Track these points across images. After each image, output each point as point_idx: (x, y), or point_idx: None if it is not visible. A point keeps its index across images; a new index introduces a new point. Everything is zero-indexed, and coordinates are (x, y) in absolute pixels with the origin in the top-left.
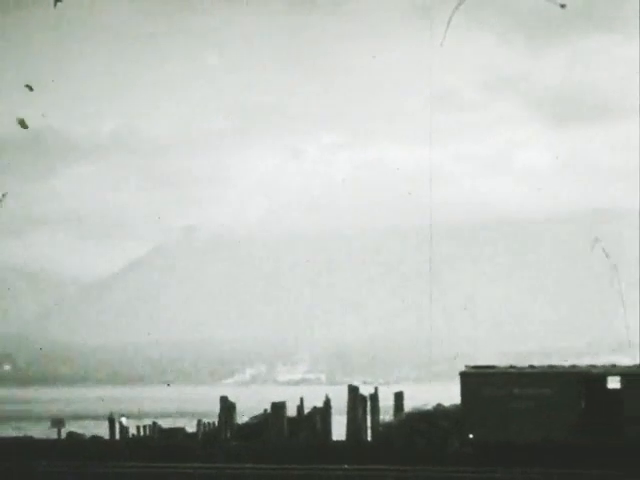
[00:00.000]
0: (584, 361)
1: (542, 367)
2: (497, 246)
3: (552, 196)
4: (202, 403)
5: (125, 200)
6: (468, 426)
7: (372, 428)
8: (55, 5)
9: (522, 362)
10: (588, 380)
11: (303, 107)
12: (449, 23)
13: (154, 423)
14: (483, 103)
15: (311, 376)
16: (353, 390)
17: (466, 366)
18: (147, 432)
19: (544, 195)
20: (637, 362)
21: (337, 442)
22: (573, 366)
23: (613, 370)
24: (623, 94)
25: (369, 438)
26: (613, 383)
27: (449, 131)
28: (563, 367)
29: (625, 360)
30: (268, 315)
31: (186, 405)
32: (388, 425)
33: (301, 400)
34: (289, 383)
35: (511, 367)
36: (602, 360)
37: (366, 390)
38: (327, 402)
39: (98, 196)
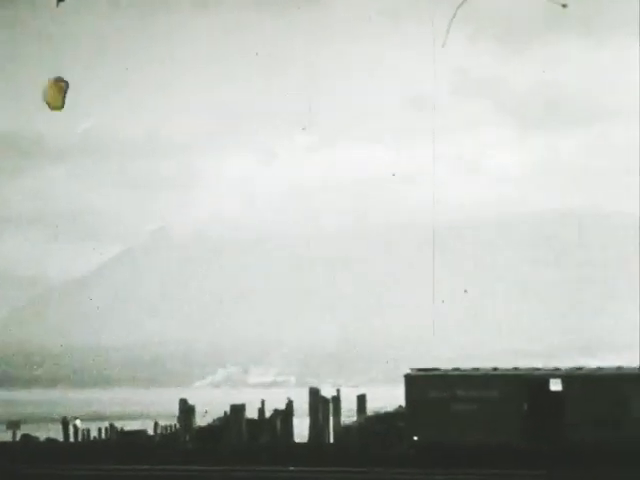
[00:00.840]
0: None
1: (486, 370)
2: (465, 246)
3: (521, 198)
4: (171, 405)
5: (96, 202)
6: (412, 428)
7: (334, 430)
8: (57, 4)
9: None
10: (531, 383)
11: (276, 108)
12: (450, 25)
13: (111, 425)
14: (454, 106)
15: (281, 378)
16: (314, 393)
17: (411, 369)
18: (107, 434)
19: (513, 197)
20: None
21: (298, 444)
22: (516, 368)
23: (555, 372)
24: (593, 98)
25: (332, 440)
26: (556, 385)
27: (419, 133)
28: (506, 370)
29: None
30: (242, 316)
31: (154, 407)
32: (348, 427)
33: (262, 403)
34: (259, 385)
35: (455, 369)
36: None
37: (335, 393)
38: (289, 405)
39: (68, 197)
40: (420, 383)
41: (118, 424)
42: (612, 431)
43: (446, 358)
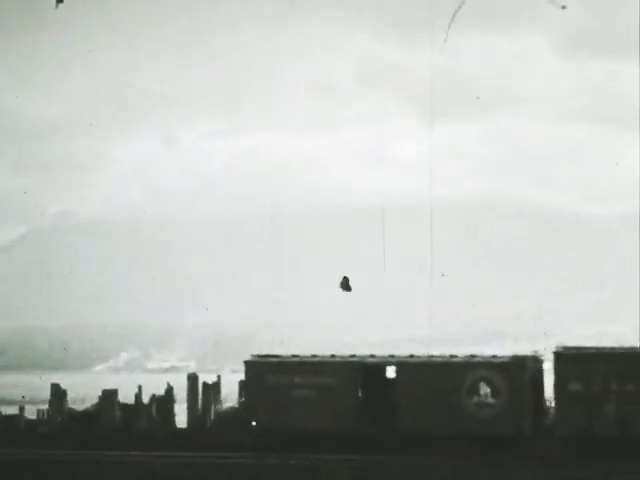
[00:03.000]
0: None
1: (323, 356)
2: (373, 233)
3: (426, 186)
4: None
5: None
6: (251, 414)
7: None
8: (57, 6)
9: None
10: (367, 369)
11: (181, 93)
12: (451, 22)
13: None
14: (357, 95)
15: (182, 364)
16: (192, 378)
17: (251, 355)
18: None
19: (417, 185)
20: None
21: (173, 430)
22: (353, 355)
23: (390, 360)
24: (496, 88)
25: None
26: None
27: (324, 122)
28: (343, 357)
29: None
30: (145, 300)
31: (43, 392)
32: (222, 413)
33: (139, 388)
34: (158, 370)
35: (294, 356)
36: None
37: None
38: (169, 390)
39: None
40: (259, 369)
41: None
42: (441, 417)
43: (346, 344)
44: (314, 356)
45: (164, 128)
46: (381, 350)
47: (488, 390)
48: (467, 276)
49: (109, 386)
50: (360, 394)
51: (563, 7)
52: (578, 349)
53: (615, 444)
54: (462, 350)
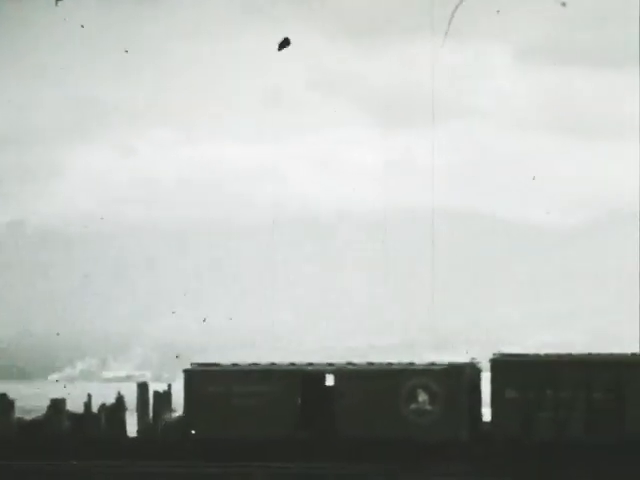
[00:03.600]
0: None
1: (262, 365)
2: (325, 241)
3: (377, 195)
4: (22, 399)
5: None
6: (191, 422)
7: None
8: (57, 3)
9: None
10: (305, 378)
11: (136, 103)
12: (449, 25)
13: None
14: (313, 103)
15: (138, 372)
16: (143, 387)
17: (192, 363)
18: None
19: (369, 194)
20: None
21: (126, 438)
22: (292, 364)
23: (328, 368)
24: (447, 97)
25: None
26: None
27: (280, 130)
28: (281, 365)
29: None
30: (101, 310)
31: None
32: (168, 422)
33: (89, 397)
34: (114, 379)
35: (233, 365)
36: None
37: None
38: (120, 399)
39: None
40: (198, 378)
41: None
42: (380, 424)
43: (305, 351)
44: (253, 364)
45: (120, 138)
46: (338, 359)
47: (426, 397)
48: (423, 285)
49: (62, 395)
50: (299, 402)
51: (563, 4)
52: (514, 357)
53: (550, 449)
54: (421, 358)
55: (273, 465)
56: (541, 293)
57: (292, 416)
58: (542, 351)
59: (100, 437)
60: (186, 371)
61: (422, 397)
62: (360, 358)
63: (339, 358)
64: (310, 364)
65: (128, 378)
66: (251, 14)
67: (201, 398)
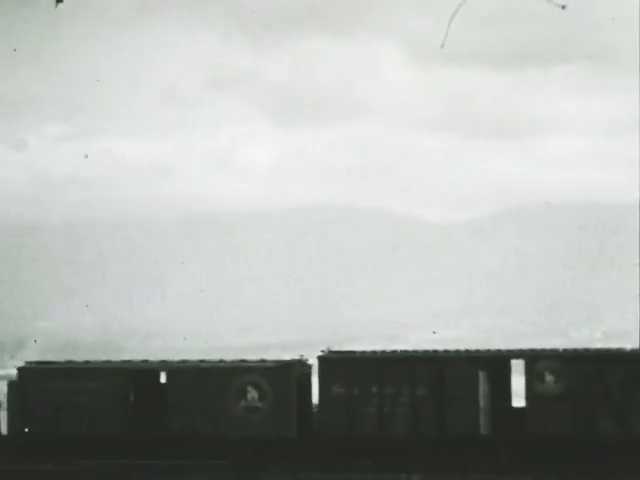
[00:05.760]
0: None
1: (96, 362)
2: (220, 238)
3: (275, 192)
4: None
5: None
6: (25, 419)
7: None
8: (56, 5)
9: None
10: (139, 375)
11: (27, 97)
12: (451, 22)
13: None
14: (208, 101)
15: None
16: (13, 386)
17: (26, 362)
18: None
19: (267, 191)
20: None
21: None
22: (126, 361)
23: (161, 365)
24: (344, 95)
25: None
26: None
27: (175, 127)
28: (115, 362)
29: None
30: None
31: None
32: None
33: None
34: (5, 378)
35: (68, 362)
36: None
37: None
38: None
39: None
40: (32, 375)
41: None
42: (211, 420)
43: (189, 350)
44: (88, 362)
45: (13, 132)
46: (226, 356)
47: (255, 394)
48: (319, 282)
49: None
50: (132, 399)
51: (563, 7)
52: (341, 354)
53: (375, 444)
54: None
55: (102, 462)
56: (431, 289)
57: (124, 413)
58: (427, 347)
59: None
60: (20, 369)
61: (251, 394)
62: (254, 355)
63: (227, 356)
64: (144, 361)
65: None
66: (148, 14)
67: (35, 395)
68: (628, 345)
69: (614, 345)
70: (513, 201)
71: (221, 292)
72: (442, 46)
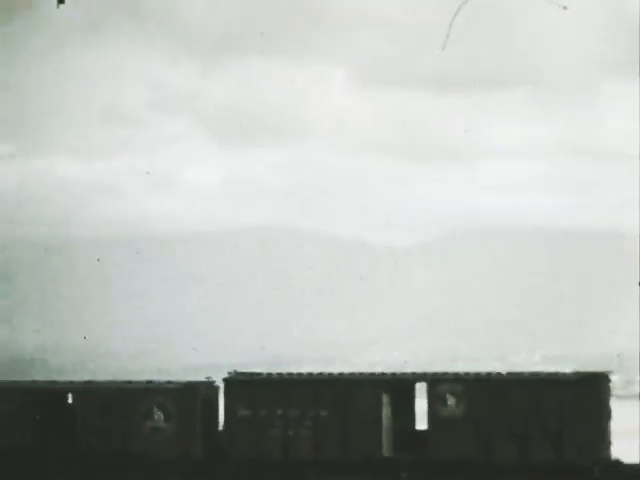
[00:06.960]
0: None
1: (7, 382)
2: (170, 258)
3: (219, 213)
4: None
5: None
6: None
7: None
8: (58, 6)
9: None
10: (45, 396)
11: None
12: (450, 27)
13: None
14: (152, 121)
15: None
16: None
17: None
18: None
19: (208, 213)
20: None
21: None
22: (34, 381)
23: (69, 386)
24: (290, 117)
25: None
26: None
27: (119, 147)
28: (24, 383)
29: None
30: None
31: None
32: None
33: None
34: None
35: None
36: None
37: None
38: None
39: None
40: None
41: None
42: (118, 440)
43: (148, 370)
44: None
45: None
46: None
47: (161, 415)
48: (259, 304)
49: None
50: (37, 419)
51: (564, 7)
52: (247, 375)
53: (279, 467)
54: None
55: None
56: (372, 312)
57: (30, 433)
58: (370, 369)
59: None
60: None
61: (158, 415)
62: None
63: (173, 378)
64: (53, 382)
65: None
66: (94, 34)
67: None
68: (566, 369)
69: (552, 369)
70: (456, 226)
71: (159, 310)
72: (442, 49)
